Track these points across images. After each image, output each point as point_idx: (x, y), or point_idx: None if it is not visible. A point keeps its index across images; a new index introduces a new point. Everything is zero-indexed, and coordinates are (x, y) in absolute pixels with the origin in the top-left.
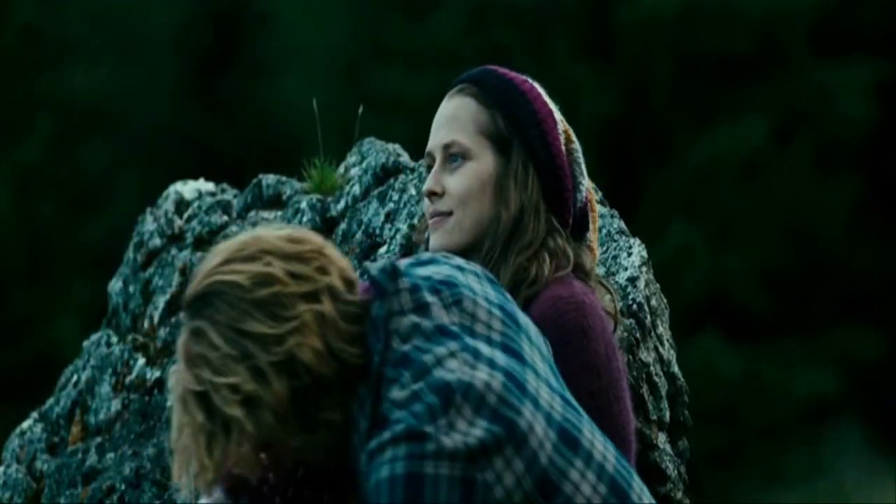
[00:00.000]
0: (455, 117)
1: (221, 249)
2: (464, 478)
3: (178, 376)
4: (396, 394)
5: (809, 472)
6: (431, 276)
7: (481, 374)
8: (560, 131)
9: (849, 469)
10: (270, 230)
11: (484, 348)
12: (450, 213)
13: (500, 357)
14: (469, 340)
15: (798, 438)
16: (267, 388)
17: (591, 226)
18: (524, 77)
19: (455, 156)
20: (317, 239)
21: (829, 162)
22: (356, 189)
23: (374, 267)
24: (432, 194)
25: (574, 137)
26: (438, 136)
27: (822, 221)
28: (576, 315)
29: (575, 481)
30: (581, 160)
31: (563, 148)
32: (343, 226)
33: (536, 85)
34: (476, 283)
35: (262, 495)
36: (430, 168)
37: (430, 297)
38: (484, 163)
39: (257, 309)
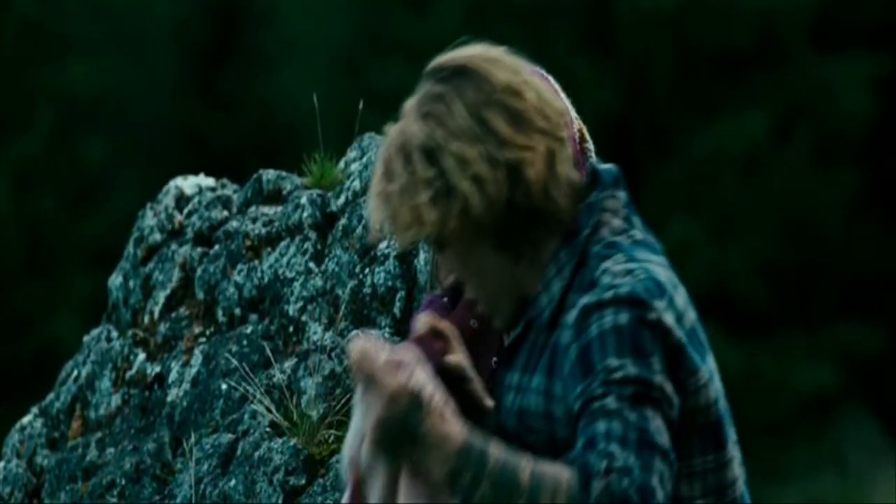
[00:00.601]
0: None
1: (485, 47)
2: (673, 359)
3: (403, 128)
4: (612, 266)
5: (810, 467)
6: None
7: (680, 299)
8: (575, 129)
9: (850, 464)
10: None
11: (681, 288)
12: None
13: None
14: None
15: (799, 434)
16: (493, 178)
17: None
18: (540, 70)
19: None
20: (565, 105)
21: (829, 156)
22: (356, 184)
23: (599, 164)
24: None
25: (588, 136)
26: None
27: (822, 216)
28: None
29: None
30: (594, 160)
31: (578, 147)
32: (343, 221)
33: (551, 79)
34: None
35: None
36: None
37: (636, 220)
38: None
39: (502, 110)
